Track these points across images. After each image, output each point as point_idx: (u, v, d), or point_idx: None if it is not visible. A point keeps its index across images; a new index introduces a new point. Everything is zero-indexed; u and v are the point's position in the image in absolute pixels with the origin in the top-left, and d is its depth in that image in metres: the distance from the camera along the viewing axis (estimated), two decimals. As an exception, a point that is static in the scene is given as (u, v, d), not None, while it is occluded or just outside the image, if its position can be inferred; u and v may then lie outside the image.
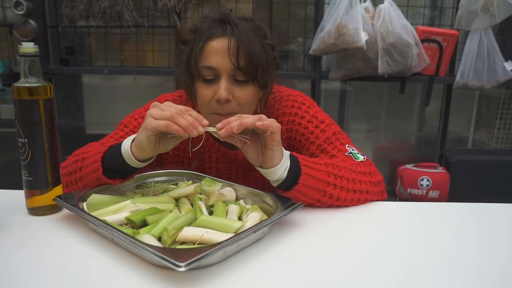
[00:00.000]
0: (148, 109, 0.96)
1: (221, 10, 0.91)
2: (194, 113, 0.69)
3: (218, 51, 0.82)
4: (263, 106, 0.95)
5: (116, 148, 0.76)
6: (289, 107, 0.97)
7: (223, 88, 0.82)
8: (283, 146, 0.98)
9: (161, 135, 0.72)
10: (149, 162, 0.77)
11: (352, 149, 0.92)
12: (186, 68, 0.86)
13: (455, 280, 0.58)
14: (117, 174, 0.78)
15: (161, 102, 0.97)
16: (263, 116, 0.70)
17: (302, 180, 0.76)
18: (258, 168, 0.76)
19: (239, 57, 0.81)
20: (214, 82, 0.84)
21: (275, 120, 0.71)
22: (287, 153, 0.76)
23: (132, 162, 0.74)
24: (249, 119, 0.68)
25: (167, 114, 0.67)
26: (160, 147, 0.73)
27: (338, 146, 0.92)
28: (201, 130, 0.68)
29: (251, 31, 0.84)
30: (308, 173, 0.77)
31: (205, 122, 0.69)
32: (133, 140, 0.75)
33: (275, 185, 0.77)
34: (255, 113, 0.95)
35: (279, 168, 0.73)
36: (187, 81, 0.87)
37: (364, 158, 0.91)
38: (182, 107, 0.69)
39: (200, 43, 0.83)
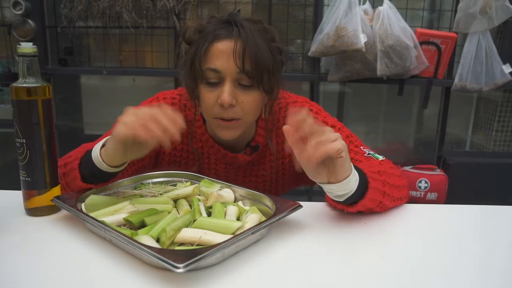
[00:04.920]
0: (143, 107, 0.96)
1: (220, 11, 0.90)
2: (169, 112, 0.64)
3: (223, 54, 0.79)
4: (268, 112, 0.92)
5: (90, 154, 0.74)
6: None
7: (226, 92, 0.80)
8: (291, 154, 0.92)
9: (133, 142, 0.66)
10: (122, 168, 0.75)
11: (368, 151, 0.91)
12: (190, 69, 0.83)
13: (454, 282, 0.58)
14: (96, 179, 0.76)
15: (159, 101, 0.96)
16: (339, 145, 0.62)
17: (369, 194, 0.71)
18: (324, 186, 0.68)
19: (244, 61, 0.78)
20: (218, 86, 0.82)
21: (338, 137, 0.63)
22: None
23: (104, 168, 0.72)
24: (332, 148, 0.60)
25: (139, 122, 0.62)
26: (131, 154, 0.69)
27: (354, 149, 0.91)
28: (176, 137, 0.63)
29: (258, 34, 0.81)
30: (374, 185, 0.72)
31: (180, 123, 0.64)
32: (103, 145, 0.72)
33: (341, 200, 0.71)
34: (259, 119, 0.93)
35: (352, 178, 0.67)
36: (191, 83, 0.85)
37: (383, 158, 0.90)
38: (157, 110, 0.64)
39: (205, 44, 0.80)
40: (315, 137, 0.61)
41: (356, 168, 0.72)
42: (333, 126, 0.93)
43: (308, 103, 0.97)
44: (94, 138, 0.87)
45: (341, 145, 0.62)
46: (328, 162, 0.65)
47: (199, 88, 0.84)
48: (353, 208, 0.74)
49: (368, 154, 0.90)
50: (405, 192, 0.86)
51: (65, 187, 0.80)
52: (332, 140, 0.62)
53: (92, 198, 0.74)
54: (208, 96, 0.83)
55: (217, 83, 0.82)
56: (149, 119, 0.63)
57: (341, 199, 0.71)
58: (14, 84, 0.71)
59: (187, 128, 0.96)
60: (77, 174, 0.75)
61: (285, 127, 0.62)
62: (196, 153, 0.97)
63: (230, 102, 0.80)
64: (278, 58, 0.84)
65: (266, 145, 0.96)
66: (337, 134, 0.64)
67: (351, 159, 0.88)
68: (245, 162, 0.96)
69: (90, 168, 0.74)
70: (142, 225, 0.68)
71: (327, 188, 0.69)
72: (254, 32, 0.80)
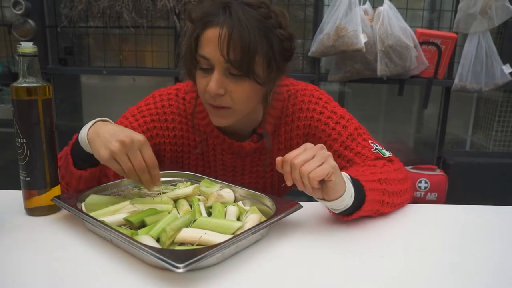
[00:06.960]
0: (140, 107, 0.95)
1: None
2: (156, 171, 0.72)
3: (211, 41, 0.76)
4: (267, 103, 0.89)
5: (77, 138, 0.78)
6: (306, 102, 0.93)
7: (213, 81, 0.77)
8: (299, 142, 0.93)
9: None
10: None
11: (376, 145, 0.90)
12: (186, 55, 0.83)
13: (455, 282, 0.58)
14: (85, 163, 0.79)
15: (155, 98, 0.96)
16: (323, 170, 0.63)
17: (365, 207, 0.73)
18: (321, 201, 0.71)
19: (230, 50, 0.74)
20: (210, 72, 0.79)
21: (326, 158, 0.65)
22: (346, 176, 0.71)
23: (90, 150, 0.75)
24: (316, 180, 0.64)
25: (122, 164, 0.69)
26: None
27: (361, 143, 0.90)
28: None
29: (252, 20, 0.75)
30: (371, 197, 0.73)
31: (159, 183, 0.74)
32: (90, 127, 0.75)
33: (336, 212, 0.73)
34: (267, 107, 0.90)
35: (345, 196, 0.69)
36: (188, 68, 0.84)
37: (390, 154, 0.89)
38: (143, 166, 0.70)
39: (196, 31, 0.79)
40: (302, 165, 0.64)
41: (354, 180, 0.73)
42: (341, 118, 0.92)
43: (318, 91, 0.95)
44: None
45: (329, 168, 0.64)
46: (321, 182, 0.66)
47: (196, 73, 0.83)
48: (348, 218, 0.75)
49: (376, 149, 0.89)
50: (407, 196, 0.86)
51: (61, 181, 0.81)
52: (318, 165, 0.64)
53: (92, 198, 0.74)
54: (201, 81, 0.82)
55: (210, 69, 0.80)
56: (132, 169, 0.70)
57: (336, 212, 0.73)
58: (14, 84, 0.71)
59: (188, 121, 0.95)
60: (70, 159, 0.79)
61: (277, 159, 0.68)
62: (199, 136, 0.95)
63: (216, 91, 0.78)
64: (278, 46, 0.79)
65: (274, 132, 0.94)
66: (327, 154, 0.66)
67: (358, 153, 0.88)
68: (252, 150, 0.94)
69: (78, 152, 0.78)
70: (142, 225, 0.68)
71: (322, 203, 0.71)
72: (248, 18, 0.75)
